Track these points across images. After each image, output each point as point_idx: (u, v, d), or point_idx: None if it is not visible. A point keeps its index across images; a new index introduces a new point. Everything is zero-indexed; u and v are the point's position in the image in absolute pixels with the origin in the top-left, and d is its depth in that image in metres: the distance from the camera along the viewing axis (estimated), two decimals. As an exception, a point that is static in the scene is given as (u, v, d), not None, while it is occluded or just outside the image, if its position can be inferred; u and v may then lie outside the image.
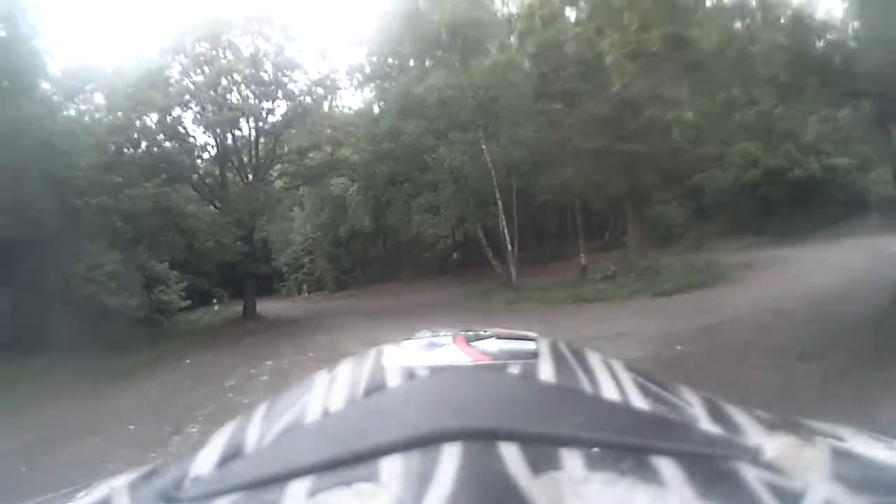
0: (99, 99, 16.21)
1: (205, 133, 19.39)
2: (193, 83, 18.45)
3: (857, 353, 5.04)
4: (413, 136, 16.43)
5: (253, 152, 20.05)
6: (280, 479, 0.40)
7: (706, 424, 0.46)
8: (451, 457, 0.39)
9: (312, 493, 0.38)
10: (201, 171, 20.07)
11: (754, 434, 0.46)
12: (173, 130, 18.16)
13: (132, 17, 29.73)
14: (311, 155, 20.57)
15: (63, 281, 11.99)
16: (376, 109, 20.26)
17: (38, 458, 5.32)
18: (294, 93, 19.37)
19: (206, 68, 18.42)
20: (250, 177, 19.81)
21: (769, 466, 0.41)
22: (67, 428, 6.66)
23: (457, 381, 0.51)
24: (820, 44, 5.33)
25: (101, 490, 0.56)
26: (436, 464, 0.38)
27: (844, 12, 6.03)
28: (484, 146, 15.62)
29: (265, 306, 20.76)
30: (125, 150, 15.80)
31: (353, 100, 22.34)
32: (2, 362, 9.68)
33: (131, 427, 6.43)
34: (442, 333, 0.68)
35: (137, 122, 16.64)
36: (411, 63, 18.44)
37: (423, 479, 0.37)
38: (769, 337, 6.35)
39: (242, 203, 18.47)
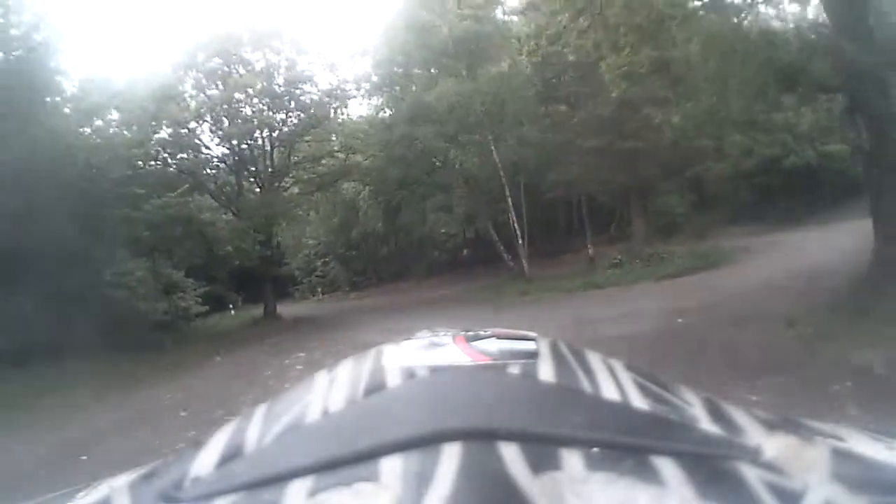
0: (114, 115, 16.47)
1: (219, 145, 20.03)
2: (208, 97, 19.10)
3: (835, 317, 5.79)
4: (425, 140, 17.05)
5: (268, 161, 20.64)
6: (280, 479, 0.40)
7: (706, 424, 0.46)
8: (451, 457, 0.39)
9: (312, 493, 0.38)
10: (218, 181, 20.58)
11: (754, 434, 0.46)
12: (189, 142, 18.83)
13: (142, 34, 30.38)
14: (323, 162, 21.25)
15: (92, 287, 12.20)
16: (381, 116, 20.85)
17: (99, 445, 5.74)
18: (306, 103, 19.93)
19: (219, 84, 19.13)
20: (266, 184, 20.41)
21: (769, 466, 0.41)
22: (117, 419, 6.98)
23: (457, 381, 0.51)
24: (789, 49, 6.05)
25: (101, 490, 0.56)
26: (436, 464, 0.38)
27: (815, 15, 6.85)
28: (493, 147, 16.18)
29: (282, 308, 21.07)
30: (140, 162, 16.11)
31: (360, 108, 22.87)
32: (40, 366, 10.05)
33: (182, 413, 6.75)
34: (442, 333, 0.67)
35: (154, 136, 17.17)
36: (417, 71, 19.12)
37: (423, 479, 0.37)
38: (762, 308, 7.04)
39: (260, 209, 19.11)
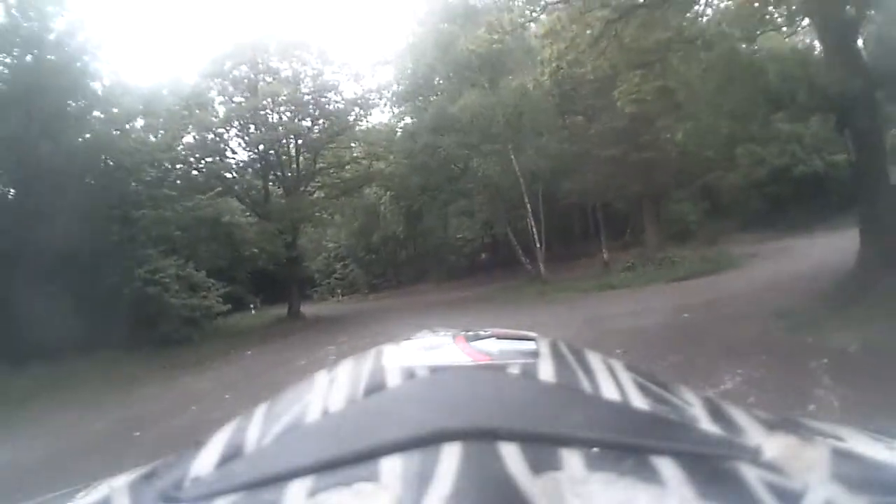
0: (140, 121, 16.33)
1: (246, 150, 20.65)
2: (235, 104, 19.75)
3: (823, 309, 6.50)
4: (448, 149, 17.81)
5: (294, 166, 21.32)
6: (280, 479, 0.40)
7: (706, 424, 0.46)
8: (451, 457, 0.39)
9: (312, 493, 0.38)
10: (245, 185, 21.16)
11: (754, 434, 0.46)
12: (216, 147, 19.50)
13: (170, 42, 31.14)
14: (347, 167, 22.02)
15: (126, 283, 12.71)
16: (402, 125, 21.61)
17: (151, 426, 6.22)
18: (331, 111, 20.56)
19: (246, 93, 19.78)
20: (292, 189, 21.02)
21: (769, 466, 0.41)
22: (165, 403, 7.44)
23: (457, 381, 0.51)
24: (777, 73, 6.82)
25: (101, 490, 0.57)
26: (436, 464, 0.38)
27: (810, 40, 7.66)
28: (513, 156, 16.86)
29: (303, 308, 21.45)
30: (168, 164, 16.41)
31: (381, 116, 23.41)
32: (81, 357, 10.48)
33: (227, 396, 7.22)
34: (442, 333, 0.67)
35: (183, 141, 17.83)
36: (438, 82, 19.91)
37: (423, 479, 0.37)
38: (759, 304, 7.78)
39: (287, 213, 19.80)
